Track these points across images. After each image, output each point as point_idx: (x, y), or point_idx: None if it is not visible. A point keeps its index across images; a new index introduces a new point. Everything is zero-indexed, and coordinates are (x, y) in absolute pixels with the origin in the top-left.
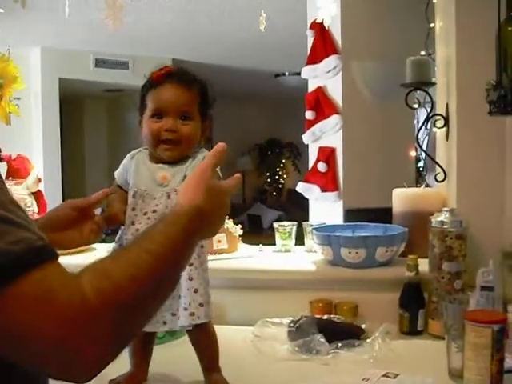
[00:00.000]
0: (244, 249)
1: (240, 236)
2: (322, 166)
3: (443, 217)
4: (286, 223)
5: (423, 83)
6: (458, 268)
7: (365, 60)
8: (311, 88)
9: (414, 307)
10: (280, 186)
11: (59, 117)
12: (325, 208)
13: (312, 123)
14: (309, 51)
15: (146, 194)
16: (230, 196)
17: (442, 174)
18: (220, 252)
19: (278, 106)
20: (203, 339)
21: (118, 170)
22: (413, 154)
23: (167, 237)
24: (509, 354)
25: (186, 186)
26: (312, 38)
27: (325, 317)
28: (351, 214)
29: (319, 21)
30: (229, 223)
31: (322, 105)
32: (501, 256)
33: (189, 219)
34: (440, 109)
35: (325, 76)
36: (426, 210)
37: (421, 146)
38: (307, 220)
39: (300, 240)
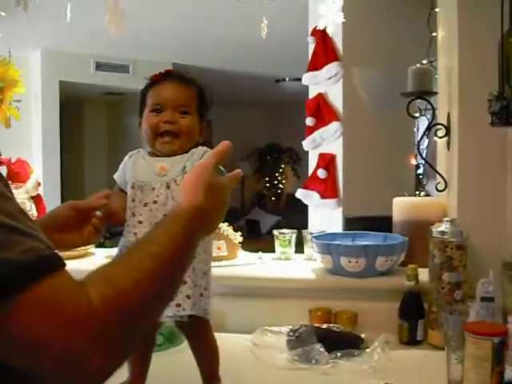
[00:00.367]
0: (244, 256)
1: (240, 243)
2: (321, 173)
3: (444, 227)
4: (285, 231)
5: (424, 92)
6: (458, 278)
7: (366, 67)
8: (312, 94)
9: (414, 317)
10: (279, 191)
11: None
12: (324, 215)
13: (312, 130)
14: (310, 58)
15: (145, 185)
16: (230, 191)
17: (443, 183)
18: (220, 259)
19: (278, 111)
20: (203, 346)
21: (117, 171)
22: (413, 161)
23: (168, 238)
24: (509, 366)
25: (185, 184)
26: (313, 45)
27: (324, 326)
28: (351, 222)
29: (321, 28)
30: (229, 230)
31: (322, 111)
32: (501, 266)
33: (189, 219)
34: (441, 118)
35: (325, 83)
36: (426, 220)
37: (421, 155)
38: (306, 226)
39: (299, 247)
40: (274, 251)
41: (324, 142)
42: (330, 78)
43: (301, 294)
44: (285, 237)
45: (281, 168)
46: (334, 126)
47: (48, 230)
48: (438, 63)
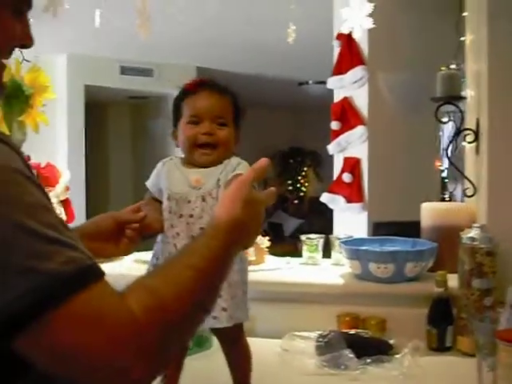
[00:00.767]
0: (271, 261)
1: (267, 248)
2: (347, 177)
3: (473, 233)
4: (312, 236)
5: (453, 97)
6: (488, 285)
7: (391, 71)
8: (337, 98)
9: (443, 323)
10: (301, 194)
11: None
12: (349, 219)
13: (338, 134)
14: (335, 62)
15: (180, 197)
16: (266, 207)
17: (472, 188)
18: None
19: (300, 114)
20: (237, 352)
21: (150, 179)
22: (438, 166)
23: (208, 250)
24: None
25: (224, 197)
26: (338, 49)
27: (352, 331)
28: (377, 227)
29: (346, 32)
30: None
31: (347, 115)
32: None
33: (228, 232)
34: (469, 123)
35: (351, 87)
36: (455, 225)
37: (450, 160)
38: (329, 229)
39: (326, 252)
40: (297, 254)
41: (349, 145)
42: (355, 82)
43: (329, 300)
44: (312, 242)
45: (303, 171)
46: (360, 130)
47: (89, 239)
48: (467, 67)
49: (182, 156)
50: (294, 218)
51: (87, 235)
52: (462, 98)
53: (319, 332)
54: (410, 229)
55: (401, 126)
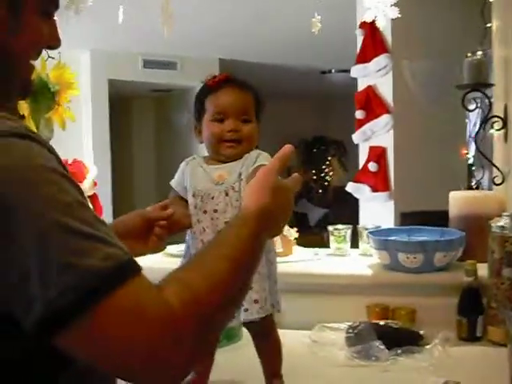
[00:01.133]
0: (299, 252)
1: (295, 239)
2: (372, 166)
3: (503, 222)
4: (340, 226)
5: (481, 84)
6: None
7: (415, 59)
8: (361, 87)
9: (473, 313)
10: (326, 183)
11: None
12: (375, 208)
13: (362, 123)
14: (358, 50)
15: (204, 194)
16: (294, 194)
17: (501, 176)
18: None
19: (323, 103)
20: (268, 344)
21: (175, 178)
22: (465, 154)
23: (239, 241)
24: None
25: (250, 188)
26: (361, 37)
27: (382, 322)
28: (404, 216)
29: (369, 20)
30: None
31: (372, 104)
32: None
33: (257, 220)
34: (497, 110)
35: (375, 75)
36: (483, 214)
37: (478, 148)
38: (354, 219)
39: (353, 242)
40: (323, 244)
41: (374, 134)
42: (379, 71)
43: (358, 291)
44: (340, 232)
45: (327, 160)
46: (385, 119)
47: (119, 237)
48: (494, 54)
49: (204, 155)
50: (318, 208)
51: (118, 234)
52: (490, 85)
53: (349, 323)
54: (438, 218)
55: (426, 113)
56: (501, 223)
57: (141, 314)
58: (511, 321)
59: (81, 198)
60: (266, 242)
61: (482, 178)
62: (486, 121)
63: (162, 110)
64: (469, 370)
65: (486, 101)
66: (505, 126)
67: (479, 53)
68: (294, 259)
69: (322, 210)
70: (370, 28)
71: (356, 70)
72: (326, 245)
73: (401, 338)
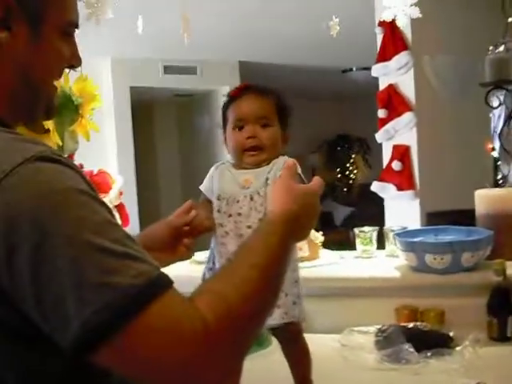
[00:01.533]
0: (325, 256)
1: (321, 243)
2: (396, 165)
3: None
4: (366, 228)
5: (504, 81)
6: None
7: (437, 55)
8: (382, 86)
9: (503, 313)
10: (350, 181)
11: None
12: (401, 209)
13: (385, 121)
14: (378, 49)
15: (229, 197)
16: (318, 197)
17: None
18: (301, 260)
19: (346, 102)
20: (295, 350)
21: (204, 182)
22: (490, 151)
23: (267, 248)
24: None
25: (274, 194)
26: (381, 36)
27: (411, 324)
28: (430, 216)
29: (388, 20)
30: None
31: (394, 102)
32: None
33: (284, 225)
34: None
35: (396, 73)
36: (510, 211)
37: (502, 144)
38: (380, 217)
39: (379, 243)
40: (349, 242)
41: (397, 133)
42: (400, 69)
43: (386, 293)
44: (365, 235)
45: (351, 158)
46: (407, 117)
47: (147, 250)
48: None
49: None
50: (344, 206)
51: (145, 247)
52: None
53: (378, 326)
54: (464, 217)
55: (449, 110)
56: None
57: (174, 332)
58: None
59: (110, 216)
60: (292, 246)
61: (507, 175)
62: (510, 117)
63: (185, 114)
64: (501, 371)
65: (511, 96)
66: None
67: (502, 47)
68: (321, 263)
69: (347, 209)
70: (390, 26)
71: (377, 69)
72: (351, 244)
73: (430, 340)
